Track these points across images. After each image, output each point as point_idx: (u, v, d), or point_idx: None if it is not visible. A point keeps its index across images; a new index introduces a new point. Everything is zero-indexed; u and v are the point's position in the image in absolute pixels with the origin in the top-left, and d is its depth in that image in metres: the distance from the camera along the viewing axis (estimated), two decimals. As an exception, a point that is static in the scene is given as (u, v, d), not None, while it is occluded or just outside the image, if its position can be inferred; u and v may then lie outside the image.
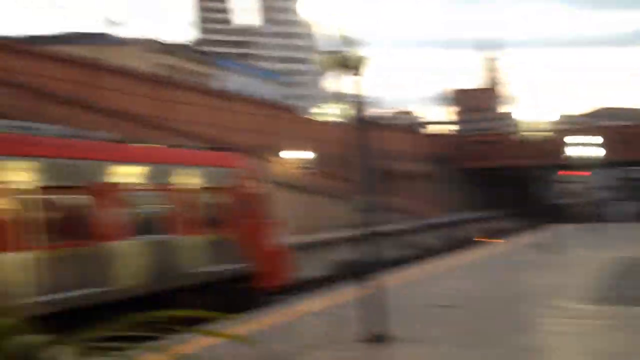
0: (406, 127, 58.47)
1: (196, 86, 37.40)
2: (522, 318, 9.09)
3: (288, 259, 14.29)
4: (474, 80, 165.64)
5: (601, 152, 31.49)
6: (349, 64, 7.91)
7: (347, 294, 11.81)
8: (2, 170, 8.92)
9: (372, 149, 33.82)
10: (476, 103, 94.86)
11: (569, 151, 31.13)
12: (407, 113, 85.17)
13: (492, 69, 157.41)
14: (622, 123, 67.31)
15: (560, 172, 40.30)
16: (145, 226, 10.75)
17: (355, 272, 18.73)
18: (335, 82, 8.64)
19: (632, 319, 8.70)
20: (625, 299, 10.32)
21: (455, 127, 62.88)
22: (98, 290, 9.73)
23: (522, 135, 45.64)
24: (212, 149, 15.39)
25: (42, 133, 10.75)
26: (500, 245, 23.02)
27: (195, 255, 11.95)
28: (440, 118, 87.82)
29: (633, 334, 7.83)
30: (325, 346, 7.57)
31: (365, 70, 8.07)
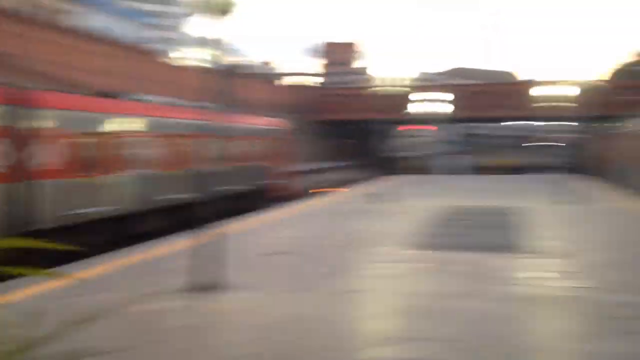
0: (267, 77, 58.54)
1: (52, 24, 35.08)
2: (348, 263, 9.82)
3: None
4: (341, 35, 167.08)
5: (449, 109, 33.62)
6: (215, 7, 7.83)
7: (181, 243, 12.11)
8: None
9: (232, 98, 33.60)
10: (339, 57, 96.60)
11: (413, 107, 32.98)
12: (268, 63, 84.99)
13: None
14: (471, 82, 71.68)
15: (400, 127, 42.20)
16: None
17: (189, 221, 18.77)
18: (201, 26, 8.39)
19: (448, 263, 9.63)
20: (444, 245, 11.57)
21: (316, 80, 63.76)
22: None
23: (374, 90, 47.35)
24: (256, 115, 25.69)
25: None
26: (338, 195, 24.13)
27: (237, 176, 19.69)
28: (305, 70, 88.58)
29: (447, 276, 8.75)
30: (152, 296, 7.64)
31: (232, 15, 7.99)
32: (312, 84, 58.86)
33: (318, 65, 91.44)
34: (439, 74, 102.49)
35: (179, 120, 18.12)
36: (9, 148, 12.37)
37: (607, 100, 49.01)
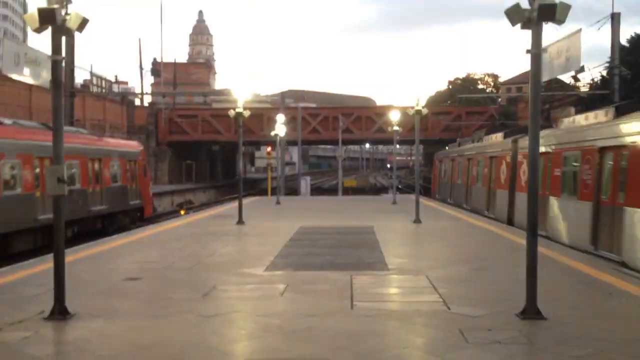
0: (117, 96, 56.23)
1: None
2: (203, 285, 9.71)
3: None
4: (183, 54, 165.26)
5: (283, 130, 34.31)
6: (59, 23, 7.33)
7: (27, 269, 11.45)
8: None
9: (73, 117, 31.87)
10: (185, 76, 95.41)
11: (273, 128, 33.37)
12: (119, 83, 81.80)
13: (200, 44, 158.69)
14: (307, 105, 73.88)
15: (267, 148, 43.06)
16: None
17: (36, 246, 18.10)
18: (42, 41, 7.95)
19: (306, 283, 9.85)
20: (299, 264, 11.72)
21: (163, 100, 62.22)
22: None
23: (222, 110, 47.37)
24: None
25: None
26: (195, 217, 23.92)
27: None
28: (151, 89, 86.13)
29: (301, 294, 8.96)
30: (3, 326, 7.27)
31: (73, 32, 7.51)
32: (163, 105, 57.33)
33: (160, 84, 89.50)
34: (272, 95, 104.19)
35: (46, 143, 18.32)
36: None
37: (426, 125, 53.04)
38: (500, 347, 6.40)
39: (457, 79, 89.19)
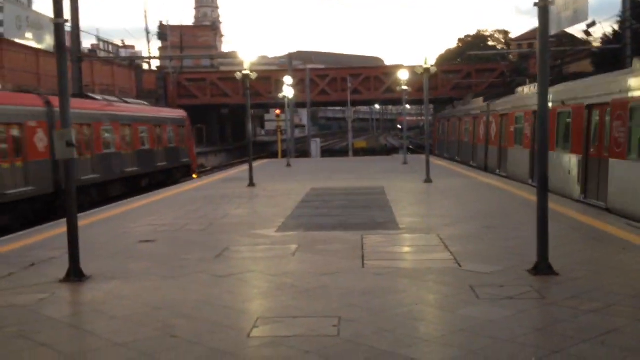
0: (123, 61, 56.01)
1: None
2: (224, 246, 9.74)
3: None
4: (189, 17, 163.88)
5: (291, 92, 34.11)
6: None
7: (44, 233, 11.62)
8: None
9: (81, 82, 31.91)
10: (192, 40, 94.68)
11: (281, 91, 33.20)
12: (127, 47, 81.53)
13: (205, 6, 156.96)
14: (315, 66, 73.24)
15: (276, 111, 43.12)
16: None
17: (53, 210, 18.33)
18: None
19: (318, 242, 9.90)
20: (312, 225, 11.80)
21: (171, 64, 61.95)
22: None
23: (229, 73, 47.09)
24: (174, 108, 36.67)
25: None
26: (203, 180, 24.01)
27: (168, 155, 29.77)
28: (157, 53, 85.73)
29: (319, 255, 8.99)
30: (16, 289, 7.40)
31: None
32: (171, 69, 57.06)
33: (168, 48, 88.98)
34: (279, 57, 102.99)
35: (125, 113, 25.82)
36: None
37: (436, 84, 52.59)
38: (511, 302, 6.45)
39: (467, 36, 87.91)
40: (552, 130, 16.88)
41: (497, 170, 24.49)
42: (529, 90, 22.19)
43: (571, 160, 15.92)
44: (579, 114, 15.46)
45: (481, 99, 30.83)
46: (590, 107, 14.96)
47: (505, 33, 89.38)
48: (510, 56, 57.90)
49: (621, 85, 13.35)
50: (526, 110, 20.78)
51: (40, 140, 18.48)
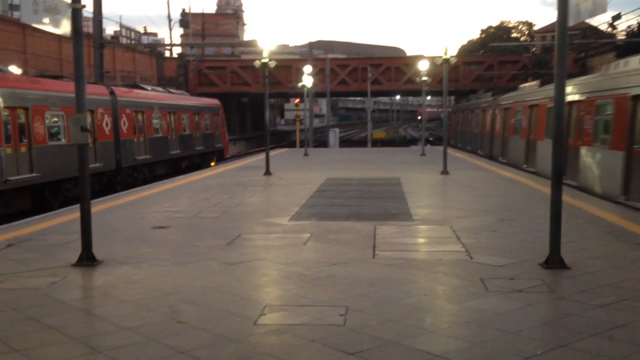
0: (145, 48, 56.29)
1: None
2: (228, 233, 9.82)
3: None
4: (211, 5, 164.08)
5: (310, 82, 34.02)
6: None
7: (58, 218, 11.75)
8: None
9: (102, 68, 32.05)
10: (213, 28, 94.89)
11: (301, 80, 33.15)
12: (149, 34, 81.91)
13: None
14: (336, 56, 72.94)
15: (295, 100, 43.52)
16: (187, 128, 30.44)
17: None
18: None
19: (331, 232, 9.91)
20: (326, 214, 11.80)
21: (192, 51, 62.10)
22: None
23: (250, 62, 47.11)
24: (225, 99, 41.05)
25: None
26: (220, 167, 24.09)
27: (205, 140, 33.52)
28: (179, 41, 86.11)
29: (332, 244, 8.99)
30: (29, 272, 7.51)
31: None
32: (191, 56, 57.24)
33: (189, 35, 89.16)
34: (301, 46, 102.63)
35: (172, 102, 29.64)
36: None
37: (457, 75, 52.15)
38: (520, 295, 6.39)
39: (490, 27, 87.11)
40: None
41: (500, 158, 27.19)
42: (529, 87, 25.50)
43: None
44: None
45: (490, 93, 33.49)
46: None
47: (529, 24, 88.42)
48: (533, 48, 57.21)
49: None
50: (524, 105, 23.59)
51: (107, 124, 22.36)
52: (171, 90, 33.57)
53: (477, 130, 34.41)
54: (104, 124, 22.04)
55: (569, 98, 17.02)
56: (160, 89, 31.80)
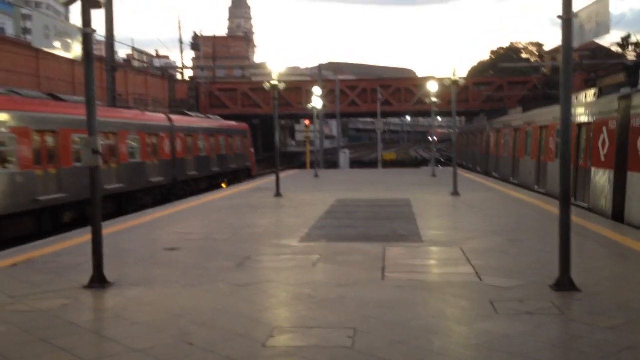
0: (157, 71, 56.89)
1: None
2: (246, 256, 9.83)
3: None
4: (222, 28, 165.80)
5: (320, 103, 34.21)
6: None
7: (72, 240, 11.85)
8: None
9: (114, 91, 32.39)
10: (224, 50, 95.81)
11: (310, 101, 33.35)
12: (161, 57, 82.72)
13: (239, 17, 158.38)
14: (346, 78, 73.26)
15: (306, 121, 44.04)
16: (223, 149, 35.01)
17: (78, 218, 18.86)
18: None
19: (340, 254, 9.95)
20: (335, 236, 11.84)
21: (203, 74, 62.70)
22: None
23: (261, 84, 47.47)
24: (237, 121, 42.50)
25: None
26: (231, 189, 24.22)
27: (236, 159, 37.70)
28: (190, 63, 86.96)
29: (340, 266, 9.02)
30: (41, 294, 7.58)
31: (103, 4, 7.70)
32: (202, 79, 57.74)
33: (199, 58, 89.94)
34: (311, 68, 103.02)
35: (212, 126, 34.67)
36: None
37: (467, 96, 52.23)
38: (529, 317, 6.38)
39: (500, 48, 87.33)
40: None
41: (493, 173, 31.78)
42: (515, 113, 30.22)
43: None
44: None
45: (485, 117, 39.40)
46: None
47: (538, 45, 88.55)
48: (543, 69, 57.26)
49: None
50: (509, 128, 28.44)
51: (166, 145, 26.69)
52: (209, 116, 38.63)
53: (477, 150, 40.51)
54: (164, 146, 26.27)
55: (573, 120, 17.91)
56: (201, 115, 37.34)
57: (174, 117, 29.49)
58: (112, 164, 21.75)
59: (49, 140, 18.22)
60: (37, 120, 17.68)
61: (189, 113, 34.81)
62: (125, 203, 22.25)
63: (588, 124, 16.79)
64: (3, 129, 16.12)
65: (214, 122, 36.08)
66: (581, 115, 17.32)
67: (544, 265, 8.68)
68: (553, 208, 15.35)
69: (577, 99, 18.81)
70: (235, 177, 36.83)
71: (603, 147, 15.26)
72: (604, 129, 15.10)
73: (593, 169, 15.93)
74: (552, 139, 20.46)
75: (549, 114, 21.25)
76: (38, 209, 17.22)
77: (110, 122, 21.59)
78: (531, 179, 23.22)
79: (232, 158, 36.85)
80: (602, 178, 15.27)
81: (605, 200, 14.84)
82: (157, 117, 27.27)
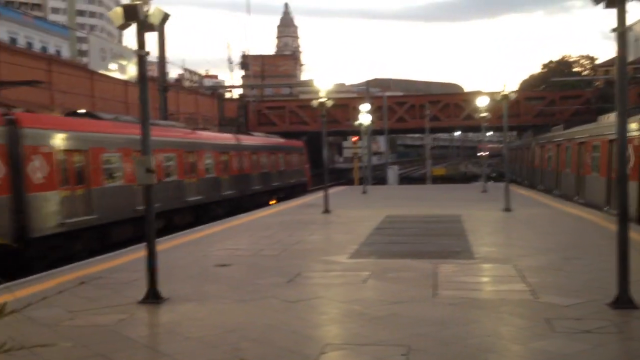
0: (206, 90, 58.02)
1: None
2: (296, 272, 9.89)
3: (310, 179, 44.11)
4: (270, 47, 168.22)
5: (368, 119, 34.18)
6: (141, 19, 7.68)
7: (126, 256, 12.10)
8: None
9: (166, 110, 33.12)
10: (272, 69, 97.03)
11: (358, 118, 33.46)
12: (210, 76, 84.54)
13: (286, 36, 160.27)
14: (393, 94, 73.04)
15: (354, 138, 44.79)
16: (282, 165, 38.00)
17: (136, 235, 19.34)
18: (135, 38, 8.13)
19: (390, 270, 9.89)
20: (385, 252, 11.79)
21: (251, 92, 63.62)
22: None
23: (308, 101, 47.82)
24: (293, 138, 46.58)
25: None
26: (284, 205, 24.37)
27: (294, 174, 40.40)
28: (239, 82, 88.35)
29: (391, 283, 8.97)
30: (98, 310, 7.76)
31: (157, 27, 7.82)
32: (251, 97, 58.57)
33: (247, 76, 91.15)
34: (358, 85, 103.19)
35: (273, 144, 37.53)
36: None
37: (518, 111, 51.38)
38: (588, 336, 6.21)
39: (551, 62, 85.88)
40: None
41: (538, 185, 33.74)
42: (557, 130, 32.36)
43: None
44: None
45: (531, 134, 43.36)
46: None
47: (590, 59, 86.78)
48: (596, 82, 56.02)
49: None
50: (553, 143, 30.75)
51: (235, 162, 29.38)
52: (269, 135, 41.09)
53: (523, 165, 43.12)
54: (234, 162, 29.01)
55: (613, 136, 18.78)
56: (261, 134, 40.01)
57: (240, 136, 32.64)
58: (193, 178, 24.12)
59: None
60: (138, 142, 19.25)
61: (252, 133, 37.80)
62: (202, 213, 24.42)
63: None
64: (113, 151, 18.29)
65: (274, 140, 38.91)
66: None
67: (601, 283, 8.44)
68: (607, 223, 14.94)
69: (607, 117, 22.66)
70: (293, 191, 38.86)
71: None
72: (630, 145, 16.80)
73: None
74: (587, 154, 22.65)
75: (586, 132, 23.71)
76: (137, 217, 18.25)
77: (191, 142, 24.61)
78: (572, 190, 25.31)
79: (290, 173, 39.38)
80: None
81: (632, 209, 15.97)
82: (227, 137, 30.32)
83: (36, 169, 14.69)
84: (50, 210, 15.08)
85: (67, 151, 16.11)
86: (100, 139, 17.72)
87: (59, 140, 15.83)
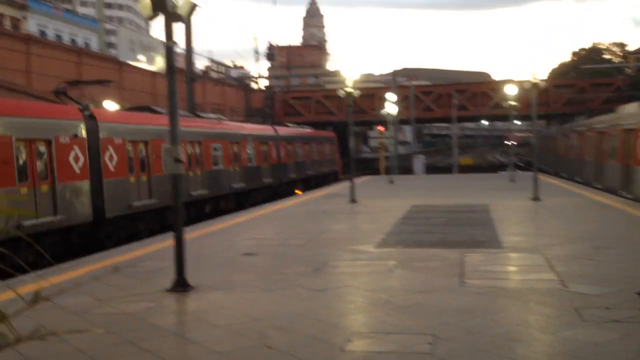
0: (233, 81, 58.24)
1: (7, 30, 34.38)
2: (323, 261, 9.90)
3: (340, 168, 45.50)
4: (296, 37, 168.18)
5: (395, 110, 33.97)
6: (169, 10, 7.71)
7: (154, 245, 12.24)
8: None
9: (193, 101, 33.26)
10: (298, 59, 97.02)
11: (384, 108, 33.35)
12: (238, 67, 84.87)
13: (312, 26, 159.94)
14: (420, 83, 72.47)
15: (379, 127, 45.26)
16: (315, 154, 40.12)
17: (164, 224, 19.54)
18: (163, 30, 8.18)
19: (417, 260, 9.84)
20: (412, 241, 11.75)
21: (277, 83, 63.66)
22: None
23: (334, 91, 47.71)
24: (325, 129, 49.51)
25: None
26: (310, 195, 24.40)
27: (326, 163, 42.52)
28: (265, 73, 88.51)
29: (417, 272, 8.94)
30: (127, 298, 7.87)
31: (185, 18, 7.86)
32: (277, 88, 58.66)
33: (274, 67, 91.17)
34: (384, 75, 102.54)
35: (307, 135, 39.36)
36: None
37: (547, 99, 50.60)
38: (617, 325, 6.12)
39: (581, 49, 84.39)
40: None
41: (562, 173, 35.60)
42: (579, 119, 35.28)
43: None
44: None
45: (557, 125, 46.69)
46: None
47: (622, 46, 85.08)
48: (628, 70, 54.94)
49: None
50: (575, 133, 32.76)
51: (273, 152, 30.87)
52: (304, 125, 42.66)
53: (549, 153, 44.52)
54: (272, 152, 30.51)
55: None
56: (295, 125, 41.50)
57: (277, 127, 34.33)
58: (236, 167, 25.50)
59: (197, 149, 21.72)
60: (190, 134, 20.93)
61: (288, 124, 39.97)
62: (244, 200, 25.72)
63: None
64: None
65: (307, 131, 40.68)
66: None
67: (631, 273, 8.33)
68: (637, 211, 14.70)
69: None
70: (326, 179, 40.68)
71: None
72: None
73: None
74: (605, 143, 24.81)
75: (606, 122, 25.18)
76: (190, 201, 20.01)
77: (237, 134, 26.24)
78: (590, 175, 27.47)
79: (322, 163, 41.39)
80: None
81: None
82: (266, 128, 32.40)
83: (110, 158, 16.38)
84: (121, 194, 16.81)
85: (133, 142, 17.68)
86: (159, 131, 18.27)
87: (127, 132, 17.41)
